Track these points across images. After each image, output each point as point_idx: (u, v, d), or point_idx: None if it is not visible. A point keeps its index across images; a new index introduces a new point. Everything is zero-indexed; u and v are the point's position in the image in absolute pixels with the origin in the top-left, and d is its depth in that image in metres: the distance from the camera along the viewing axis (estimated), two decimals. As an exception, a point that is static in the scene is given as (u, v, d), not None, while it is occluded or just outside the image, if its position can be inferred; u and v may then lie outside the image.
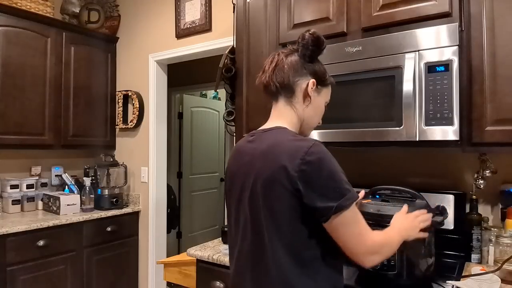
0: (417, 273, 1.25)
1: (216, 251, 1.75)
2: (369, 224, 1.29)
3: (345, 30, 1.58)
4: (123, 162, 3.14)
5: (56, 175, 3.06)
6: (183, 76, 4.10)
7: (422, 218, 1.13)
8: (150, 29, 3.04)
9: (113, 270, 2.88)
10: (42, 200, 2.87)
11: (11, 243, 2.26)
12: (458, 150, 1.41)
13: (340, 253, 0.93)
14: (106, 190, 2.92)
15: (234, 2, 2.01)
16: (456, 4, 1.34)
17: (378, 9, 1.50)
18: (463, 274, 1.36)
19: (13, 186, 2.74)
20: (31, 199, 2.82)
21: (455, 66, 1.29)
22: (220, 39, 2.55)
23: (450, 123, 1.29)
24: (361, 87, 1.48)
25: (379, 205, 1.30)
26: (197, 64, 3.40)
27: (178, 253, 4.02)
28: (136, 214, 3.07)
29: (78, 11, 3.17)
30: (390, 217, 1.25)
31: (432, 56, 1.33)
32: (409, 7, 1.43)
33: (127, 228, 2.99)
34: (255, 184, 0.95)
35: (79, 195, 2.83)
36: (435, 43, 1.33)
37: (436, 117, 1.32)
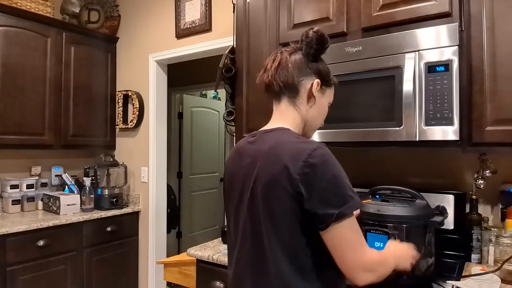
0: (417, 273, 1.25)
1: (216, 251, 1.75)
2: (369, 224, 1.30)
3: (345, 30, 1.58)
4: (123, 162, 3.14)
5: (56, 175, 3.06)
6: (183, 76, 4.10)
7: (414, 252, 1.08)
8: (150, 29, 3.04)
9: (113, 270, 2.88)
10: (42, 200, 2.87)
11: (11, 243, 2.26)
12: (458, 150, 1.42)
13: None
14: (106, 190, 2.92)
15: (234, 2, 2.01)
16: (456, 4, 1.34)
17: (378, 9, 1.50)
18: (463, 274, 1.36)
19: (13, 186, 2.74)
20: (31, 199, 2.82)
21: (455, 66, 1.29)
22: (220, 39, 2.55)
23: (450, 123, 1.29)
24: (361, 87, 1.48)
25: (379, 205, 1.30)
26: (197, 64, 3.40)
27: (178, 253, 4.02)
28: (136, 214, 3.07)
29: (78, 11, 3.17)
30: (390, 217, 1.26)
31: (432, 56, 1.33)
32: (409, 7, 1.43)
33: (127, 228, 2.99)
34: (255, 186, 0.93)
35: (79, 195, 2.83)
36: (435, 43, 1.33)
37: (436, 117, 1.32)
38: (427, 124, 1.33)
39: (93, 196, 2.86)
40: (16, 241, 2.28)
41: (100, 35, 3.16)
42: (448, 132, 1.30)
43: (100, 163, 3.02)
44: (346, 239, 0.85)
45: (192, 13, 2.71)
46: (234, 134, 2.01)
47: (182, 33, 2.78)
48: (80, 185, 3.00)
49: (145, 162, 3.07)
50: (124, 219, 2.97)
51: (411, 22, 1.42)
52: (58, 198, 2.70)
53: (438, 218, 1.30)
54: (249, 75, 1.92)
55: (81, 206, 2.81)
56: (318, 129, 1.52)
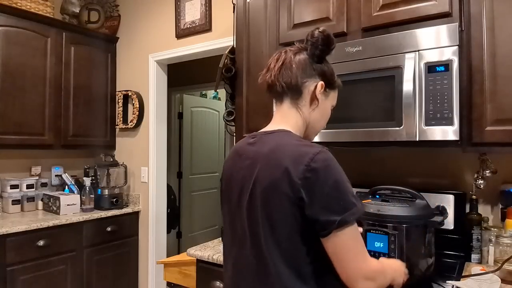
0: (417, 273, 1.25)
1: (216, 251, 1.75)
2: (369, 224, 1.30)
3: (345, 30, 1.58)
4: (123, 162, 3.14)
5: (56, 175, 3.06)
6: (183, 76, 4.10)
7: (405, 269, 1.06)
8: (150, 29, 3.04)
9: (113, 270, 2.88)
10: (42, 200, 2.87)
11: (11, 243, 2.26)
12: (458, 150, 1.42)
13: None
14: (106, 190, 2.92)
15: (234, 2, 2.01)
16: (456, 4, 1.34)
17: (378, 9, 1.50)
18: (463, 274, 1.36)
19: (13, 186, 2.74)
20: (31, 199, 2.82)
21: (455, 66, 1.29)
22: (220, 39, 2.55)
23: (450, 123, 1.29)
24: (361, 87, 1.48)
25: (379, 205, 1.30)
26: (197, 64, 3.40)
27: (178, 253, 4.02)
28: (136, 214, 3.07)
29: (78, 11, 3.17)
30: (390, 217, 1.26)
31: (432, 56, 1.33)
32: (409, 7, 1.43)
33: (127, 228, 2.99)
34: (254, 189, 0.89)
35: (79, 195, 2.83)
36: (435, 43, 1.33)
37: (436, 117, 1.32)
38: (427, 124, 1.33)
39: (93, 196, 2.86)
40: (16, 241, 2.28)
41: (100, 35, 3.16)
42: (448, 132, 1.30)
43: (100, 163, 3.02)
44: (347, 247, 0.83)
45: (192, 13, 2.71)
46: (234, 134, 2.01)
47: (182, 33, 2.78)
48: (80, 185, 3.00)
49: (145, 162, 3.07)
50: (124, 219, 2.97)
51: (411, 22, 1.42)
52: (58, 198, 2.70)
53: (438, 218, 1.30)
54: (249, 75, 1.92)
55: (81, 206, 2.81)
56: (318, 129, 1.51)
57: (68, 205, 2.72)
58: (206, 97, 4.78)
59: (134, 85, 3.15)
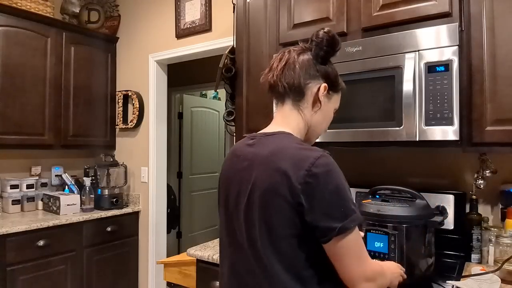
0: (417, 273, 1.25)
1: (216, 251, 1.75)
2: (369, 224, 1.30)
3: (345, 30, 1.58)
4: (123, 162, 3.14)
5: (56, 175, 3.06)
6: (183, 76, 4.10)
7: (401, 271, 1.07)
8: (150, 29, 3.04)
9: (113, 270, 2.88)
10: (42, 200, 2.87)
11: (11, 243, 2.26)
12: (458, 150, 1.42)
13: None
14: (106, 190, 2.92)
15: (234, 2, 2.01)
16: (456, 4, 1.34)
17: (378, 9, 1.50)
18: (463, 274, 1.36)
19: (13, 186, 2.74)
20: (31, 199, 2.82)
21: (455, 66, 1.29)
22: (220, 39, 2.55)
23: (450, 123, 1.29)
24: (361, 87, 1.48)
25: (379, 205, 1.30)
26: (197, 64, 3.40)
27: (178, 253, 4.02)
28: (136, 214, 3.07)
29: (78, 11, 3.17)
30: (390, 217, 1.26)
31: (432, 56, 1.33)
32: (409, 7, 1.43)
33: (127, 228, 2.99)
34: (252, 193, 0.87)
35: (79, 195, 2.83)
36: (435, 43, 1.33)
37: (436, 117, 1.32)
38: (427, 124, 1.33)
39: (93, 196, 2.86)
40: (16, 241, 2.28)
41: (100, 35, 3.16)
42: (448, 132, 1.30)
43: (100, 163, 3.02)
44: (349, 252, 0.82)
45: (192, 13, 2.71)
46: (234, 134, 2.01)
47: (182, 33, 2.78)
48: (80, 185, 3.00)
49: (145, 162, 3.07)
50: (124, 219, 2.97)
51: (411, 22, 1.42)
52: (58, 198, 2.70)
53: (438, 218, 1.30)
54: (249, 75, 1.92)
55: (81, 206, 2.81)
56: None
57: (68, 205, 2.72)
58: (206, 97, 4.78)
59: (134, 85, 3.15)
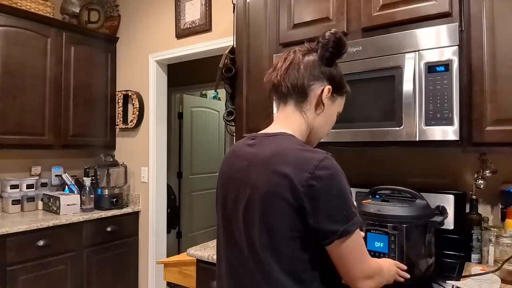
0: (417, 273, 1.25)
1: (216, 251, 1.75)
2: (369, 224, 1.30)
3: (345, 30, 1.58)
4: (123, 162, 3.14)
5: (56, 175, 3.06)
6: (183, 76, 4.10)
7: (401, 269, 1.09)
8: (150, 29, 3.04)
9: (113, 270, 2.88)
10: (42, 200, 2.87)
11: (11, 243, 2.26)
12: (458, 150, 1.41)
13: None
14: (106, 190, 2.92)
15: (234, 2, 2.01)
16: (456, 4, 1.34)
17: (378, 9, 1.50)
18: (463, 274, 1.36)
19: (13, 186, 2.74)
20: (31, 199, 2.82)
21: (455, 66, 1.29)
22: (220, 39, 2.55)
23: (450, 123, 1.29)
24: (361, 87, 1.48)
25: (379, 205, 1.30)
26: (197, 64, 3.40)
27: (178, 253, 4.02)
28: (136, 214, 3.07)
29: (78, 11, 3.17)
30: (390, 217, 1.26)
31: (432, 56, 1.33)
32: (409, 7, 1.43)
33: (127, 228, 2.99)
34: (252, 195, 0.86)
35: (79, 195, 2.83)
36: (435, 43, 1.33)
37: (436, 117, 1.32)
38: (427, 124, 1.33)
39: (93, 196, 2.86)
40: (16, 241, 2.28)
41: (100, 35, 3.16)
42: (448, 132, 1.30)
43: (100, 163, 3.02)
44: (350, 253, 0.83)
45: (192, 13, 2.71)
46: (234, 134, 2.01)
47: (182, 33, 2.78)
48: (80, 185, 3.00)
49: (145, 162, 3.07)
50: (124, 219, 2.97)
51: (411, 22, 1.42)
52: (58, 198, 2.70)
53: (438, 218, 1.30)
54: (249, 75, 1.92)
55: (81, 206, 2.81)
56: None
57: (68, 205, 2.72)
58: (206, 97, 4.78)
59: (134, 85, 3.15)
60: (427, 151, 1.74)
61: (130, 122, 3.11)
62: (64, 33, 2.88)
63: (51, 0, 2.91)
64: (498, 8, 1.28)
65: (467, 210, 1.59)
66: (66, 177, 3.02)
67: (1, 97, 2.51)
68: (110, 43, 3.25)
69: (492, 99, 1.29)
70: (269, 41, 1.85)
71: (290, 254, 0.83)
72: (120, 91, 3.21)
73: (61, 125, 2.85)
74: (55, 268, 2.48)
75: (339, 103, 1.01)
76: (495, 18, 1.29)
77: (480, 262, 1.52)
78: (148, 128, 3.05)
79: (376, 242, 1.28)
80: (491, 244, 1.48)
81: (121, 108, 3.19)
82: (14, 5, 2.63)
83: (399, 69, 1.39)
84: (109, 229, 2.83)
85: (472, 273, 1.34)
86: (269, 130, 0.97)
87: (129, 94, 3.12)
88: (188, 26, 2.74)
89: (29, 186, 2.81)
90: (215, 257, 1.67)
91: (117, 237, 2.91)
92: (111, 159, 3.10)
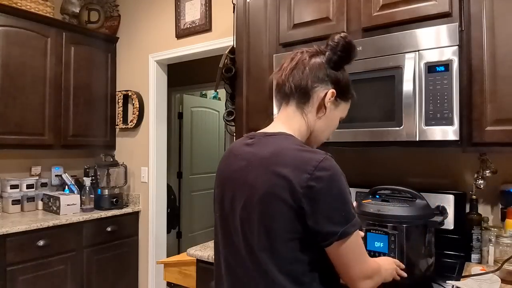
0: (417, 273, 1.25)
1: (216, 251, 1.75)
2: (369, 224, 1.30)
3: (345, 30, 1.58)
4: (123, 162, 3.14)
5: (56, 175, 3.06)
6: (183, 76, 4.10)
7: (399, 267, 1.10)
8: (150, 29, 3.04)
9: (113, 270, 2.88)
10: (42, 200, 2.87)
11: (11, 243, 2.26)
12: (458, 150, 1.41)
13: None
14: (106, 190, 2.92)
15: (234, 2, 2.01)
16: (456, 4, 1.34)
17: (378, 9, 1.50)
18: (463, 274, 1.36)
19: (13, 186, 2.74)
20: (31, 199, 2.82)
21: (455, 66, 1.29)
22: (220, 39, 2.55)
23: (450, 123, 1.29)
24: (361, 87, 1.48)
25: (379, 205, 1.30)
26: (197, 64, 3.40)
27: (178, 253, 4.01)
28: (136, 214, 3.07)
29: (78, 11, 3.17)
30: (390, 217, 1.26)
31: (432, 56, 1.33)
32: (409, 7, 1.43)
33: (127, 228, 2.99)
34: (250, 196, 0.85)
35: (79, 195, 2.83)
36: (435, 43, 1.33)
37: (436, 117, 1.32)
38: (427, 124, 1.33)
39: (93, 196, 2.86)
40: (16, 241, 2.28)
41: (100, 35, 3.16)
42: (448, 132, 1.30)
43: (100, 163, 3.02)
44: (349, 254, 0.83)
45: (192, 13, 2.71)
46: (234, 134, 2.01)
47: (182, 33, 2.78)
48: (80, 185, 3.00)
49: (145, 162, 3.07)
50: (124, 219, 2.97)
51: (411, 22, 1.42)
52: (58, 198, 2.70)
53: (438, 218, 1.30)
54: (249, 75, 1.92)
55: (81, 206, 2.81)
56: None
57: (68, 205, 2.72)
58: (206, 97, 4.78)
59: (134, 85, 3.15)
60: (427, 151, 1.74)
61: (130, 122, 3.11)
62: (64, 33, 2.88)
63: (51, 0, 2.91)
64: (498, 8, 1.28)
65: (467, 210, 1.59)
66: (66, 177, 3.02)
67: (1, 97, 2.51)
68: (110, 43, 3.25)
69: (492, 99, 1.29)
70: (269, 41, 1.85)
71: (288, 256, 0.82)
72: (120, 91, 3.21)
73: (61, 125, 2.85)
74: (55, 268, 2.48)
75: (343, 109, 1.00)
76: (495, 18, 1.29)
77: (480, 262, 1.52)
78: (148, 128, 3.05)
79: (376, 242, 1.28)
80: (491, 244, 1.48)
81: (121, 108, 3.19)
82: (14, 5, 2.63)
83: (399, 69, 1.39)
84: (109, 229, 2.83)
85: (472, 273, 1.34)
86: (268, 129, 0.96)
87: (129, 94, 3.12)
88: (188, 26, 2.74)
89: (29, 186, 2.81)
90: (215, 257, 1.67)
91: (117, 237, 2.90)
92: (111, 159, 3.10)
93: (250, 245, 0.85)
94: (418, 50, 1.36)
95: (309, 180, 0.79)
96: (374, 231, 1.28)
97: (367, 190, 1.49)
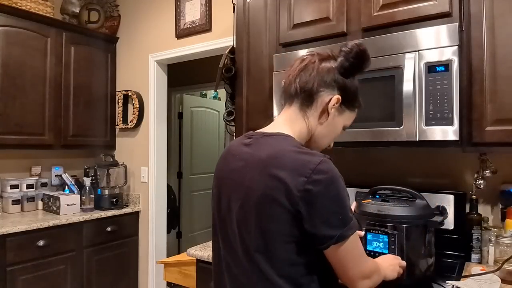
0: (417, 273, 1.25)
1: (216, 251, 1.75)
2: (369, 224, 1.30)
3: (345, 30, 1.58)
4: (123, 162, 3.14)
5: (56, 175, 3.06)
6: (183, 76, 4.10)
7: (401, 263, 1.11)
8: (150, 29, 3.04)
9: (113, 270, 2.88)
10: (42, 200, 2.87)
11: (11, 243, 2.26)
12: (458, 150, 1.41)
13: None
14: (106, 190, 2.92)
15: (234, 2, 2.01)
16: (456, 4, 1.34)
17: (378, 9, 1.50)
18: (463, 274, 1.36)
19: (13, 186, 2.74)
20: (31, 199, 2.82)
21: (455, 66, 1.29)
22: (220, 39, 2.55)
23: (450, 123, 1.29)
24: (361, 87, 1.47)
25: (379, 205, 1.30)
26: (197, 64, 3.40)
27: (178, 253, 4.01)
28: (136, 214, 3.07)
29: (78, 11, 3.17)
30: (390, 217, 1.26)
31: (432, 56, 1.33)
32: (409, 7, 1.43)
33: (127, 228, 2.99)
34: (247, 198, 0.84)
35: (79, 195, 2.83)
36: (435, 43, 1.33)
37: (436, 117, 1.32)
38: (427, 124, 1.33)
39: (93, 196, 2.86)
40: (16, 241, 2.28)
41: (100, 35, 3.16)
42: (448, 132, 1.30)
43: (100, 163, 3.02)
44: (348, 256, 0.83)
45: (192, 13, 2.71)
46: (234, 134, 2.01)
47: (182, 33, 2.78)
48: (80, 185, 3.00)
49: (145, 162, 3.07)
50: (124, 219, 2.97)
51: (411, 22, 1.42)
52: (58, 198, 2.70)
53: (438, 218, 1.30)
54: (249, 75, 1.92)
55: (81, 206, 2.81)
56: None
57: (68, 205, 2.72)
58: (206, 97, 4.78)
59: (134, 85, 3.15)
60: (427, 151, 1.74)
61: (130, 122, 3.11)
62: (64, 33, 2.88)
63: (51, 0, 2.91)
64: (498, 8, 1.28)
65: (467, 210, 1.59)
66: (66, 177, 3.02)
67: (1, 97, 2.51)
68: (110, 43, 3.25)
69: (492, 99, 1.29)
70: (269, 41, 1.85)
71: (286, 258, 0.82)
72: (120, 91, 3.21)
73: (61, 125, 2.85)
74: (55, 268, 2.48)
75: (348, 117, 0.98)
76: (495, 18, 1.29)
77: (480, 262, 1.52)
78: (148, 128, 3.05)
79: (376, 242, 1.28)
80: (491, 244, 1.48)
81: (121, 108, 3.19)
82: (14, 5, 2.63)
83: (399, 69, 1.39)
84: (109, 229, 2.83)
85: (472, 273, 1.34)
86: (267, 129, 0.95)
87: (129, 94, 3.12)
88: (188, 26, 2.74)
89: (29, 186, 2.81)
90: (215, 257, 1.67)
91: (117, 237, 2.90)
92: (111, 159, 3.10)
93: (246, 246, 0.85)
94: (418, 50, 1.36)
95: (306, 183, 0.78)
96: (374, 231, 1.28)
97: (367, 190, 1.49)
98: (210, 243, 1.90)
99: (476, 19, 1.32)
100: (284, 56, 1.71)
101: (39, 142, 2.72)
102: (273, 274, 0.82)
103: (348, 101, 0.94)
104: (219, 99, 4.83)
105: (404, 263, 1.13)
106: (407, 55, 1.37)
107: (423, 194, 1.40)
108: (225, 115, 2.03)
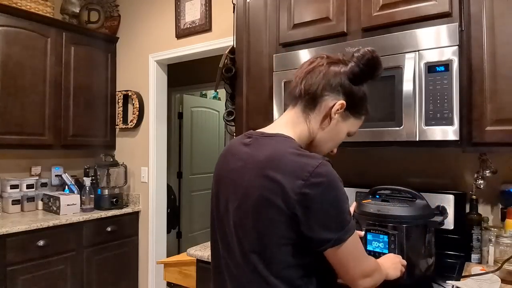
0: (417, 273, 1.25)
1: (216, 251, 1.75)
2: (369, 224, 1.30)
3: (345, 30, 1.58)
4: (123, 162, 3.14)
5: (56, 175, 3.06)
6: (183, 76, 4.10)
7: (402, 262, 1.11)
8: (150, 29, 3.04)
9: (113, 270, 2.88)
10: (42, 200, 2.87)
11: (11, 243, 2.26)
12: (458, 150, 1.41)
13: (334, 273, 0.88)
14: (106, 190, 2.92)
15: (234, 2, 2.01)
16: (456, 4, 1.34)
17: (378, 9, 1.50)
18: (463, 274, 1.36)
19: (13, 186, 2.74)
20: (31, 199, 2.82)
21: (455, 66, 1.29)
22: (220, 39, 2.55)
23: (450, 123, 1.29)
24: (361, 87, 1.48)
25: (379, 205, 1.30)
26: (197, 64, 3.40)
27: (178, 253, 4.01)
28: (136, 214, 3.07)
29: (78, 11, 3.17)
30: (390, 217, 1.26)
31: (432, 56, 1.33)
32: (409, 7, 1.43)
33: (127, 228, 2.99)
34: (244, 199, 0.84)
35: (79, 195, 2.83)
36: (435, 43, 1.33)
37: (436, 117, 1.32)
38: (427, 124, 1.33)
39: (93, 196, 2.86)
40: (16, 241, 2.28)
41: (100, 35, 3.16)
42: (448, 132, 1.30)
43: (100, 163, 3.02)
44: (347, 256, 0.82)
45: (192, 13, 2.71)
46: (234, 134, 2.01)
47: (182, 33, 2.78)
48: (80, 185, 3.00)
49: (145, 162, 3.07)
50: (124, 219, 2.97)
51: (411, 22, 1.42)
52: (58, 198, 2.70)
53: (438, 218, 1.30)
54: (249, 75, 1.92)
55: (81, 206, 2.81)
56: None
57: (68, 205, 2.72)
58: (206, 97, 4.78)
59: (134, 85, 3.15)
60: (427, 151, 1.74)
61: (130, 122, 3.11)
62: (64, 33, 2.88)
63: (51, 0, 2.91)
64: (498, 8, 1.28)
65: (467, 210, 1.59)
66: (66, 177, 3.02)
67: (1, 97, 2.51)
68: (110, 43, 3.25)
69: (492, 99, 1.29)
70: (269, 41, 1.85)
71: (282, 260, 0.81)
72: (120, 91, 3.21)
73: (61, 125, 2.85)
74: (55, 268, 2.48)
75: (353, 124, 0.95)
76: (495, 18, 1.29)
77: (480, 262, 1.52)
78: (148, 128, 3.05)
79: (376, 242, 1.28)
80: (491, 244, 1.48)
81: (121, 108, 3.19)
82: (14, 5, 2.63)
83: (399, 69, 1.39)
84: (109, 229, 2.83)
85: (472, 273, 1.34)
86: (267, 129, 0.94)
87: (129, 94, 3.12)
88: (188, 26, 2.74)
89: (29, 186, 2.81)
90: (215, 257, 1.67)
91: (117, 237, 2.90)
92: (111, 159, 3.10)
93: (243, 247, 0.85)
94: (418, 50, 1.36)
95: (304, 186, 0.77)
96: (374, 231, 1.28)
97: (367, 190, 1.49)
98: (210, 243, 1.90)
99: (476, 19, 1.32)
100: (284, 56, 1.71)
101: (39, 142, 2.72)
102: (269, 275, 0.82)
103: (353, 107, 0.92)
104: (219, 99, 4.83)
105: (405, 262, 1.14)
106: (407, 55, 1.37)
107: (423, 194, 1.40)
108: (225, 115, 2.03)
